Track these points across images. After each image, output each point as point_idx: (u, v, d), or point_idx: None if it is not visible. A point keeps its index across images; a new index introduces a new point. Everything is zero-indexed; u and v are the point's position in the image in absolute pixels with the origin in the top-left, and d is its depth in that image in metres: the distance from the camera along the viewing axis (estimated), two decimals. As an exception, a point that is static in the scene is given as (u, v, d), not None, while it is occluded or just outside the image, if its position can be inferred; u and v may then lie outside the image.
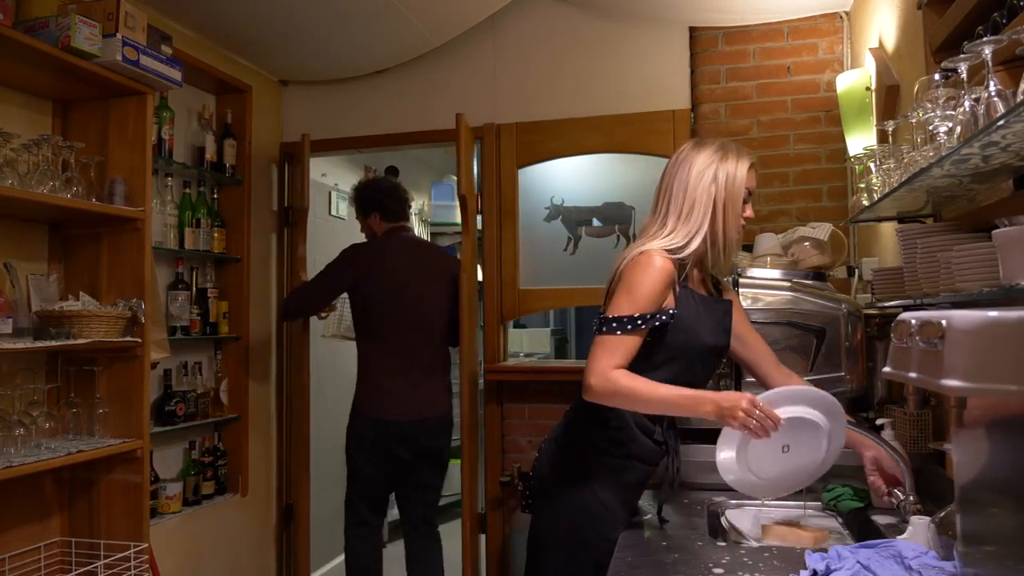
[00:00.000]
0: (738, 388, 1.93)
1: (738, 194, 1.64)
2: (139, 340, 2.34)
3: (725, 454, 1.49)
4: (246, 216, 3.34)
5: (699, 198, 1.64)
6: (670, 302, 1.63)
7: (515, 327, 4.92)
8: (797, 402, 1.49)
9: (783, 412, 1.46)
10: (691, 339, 1.64)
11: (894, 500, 1.62)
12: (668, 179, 1.71)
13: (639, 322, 1.57)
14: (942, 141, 1.26)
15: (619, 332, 1.57)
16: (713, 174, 1.64)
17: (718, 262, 1.69)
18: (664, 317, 1.60)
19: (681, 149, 1.73)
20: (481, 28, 3.43)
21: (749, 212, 1.69)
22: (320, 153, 3.70)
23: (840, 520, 1.77)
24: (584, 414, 1.73)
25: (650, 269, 1.59)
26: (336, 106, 3.70)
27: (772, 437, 1.45)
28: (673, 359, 1.64)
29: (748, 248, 2.50)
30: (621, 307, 1.59)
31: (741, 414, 1.44)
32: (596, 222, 3.37)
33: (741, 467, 1.50)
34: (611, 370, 1.54)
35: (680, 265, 1.65)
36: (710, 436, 2.04)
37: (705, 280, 1.76)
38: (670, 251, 1.62)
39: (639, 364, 1.59)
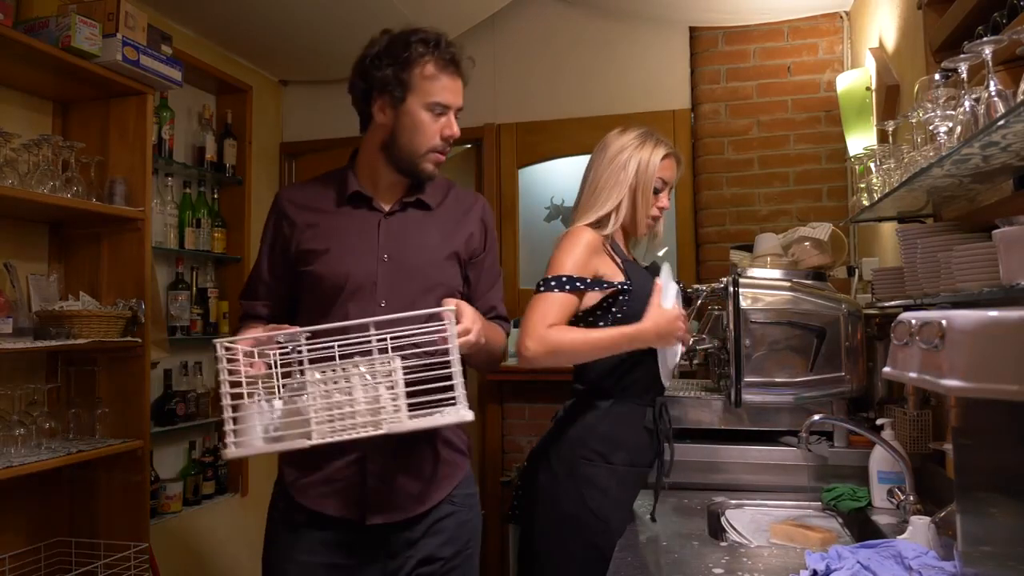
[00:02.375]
0: (738, 384, 1.93)
1: (649, 182, 1.69)
2: (139, 340, 2.34)
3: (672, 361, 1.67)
4: (246, 216, 3.34)
5: (609, 183, 1.70)
6: (618, 274, 1.67)
7: (515, 327, 4.92)
8: (668, 279, 1.68)
9: (670, 293, 1.63)
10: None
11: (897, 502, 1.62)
12: (588, 165, 1.78)
13: (577, 283, 1.61)
14: (942, 141, 1.25)
15: (556, 290, 1.60)
16: (626, 160, 1.70)
17: (633, 249, 1.79)
18: (615, 285, 1.65)
19: (605, 136, 1.77)
20: (481, 28, 3.43)
21: (663, 203, 1.74)
22: (321, 152, 3.70)
23: (840, 520, 1.76)
24: (575, 421, 1.71)
25: (575, 240, 1.66)
26: (336, 106, 3.67)
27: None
28: None
29: (748, 248, 2.50)
30: (555, 272, 1.64)
31: (680, 335, 1.59)
32: (596, 222, 3.37)
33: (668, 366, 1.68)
34: (545, 329, 1.56)
35: (612, 240, 1.71)
36: (710, 436, 2.05)
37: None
38: (594, 226, 1.69)
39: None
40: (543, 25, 3.46)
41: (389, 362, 1.23)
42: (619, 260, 1.70)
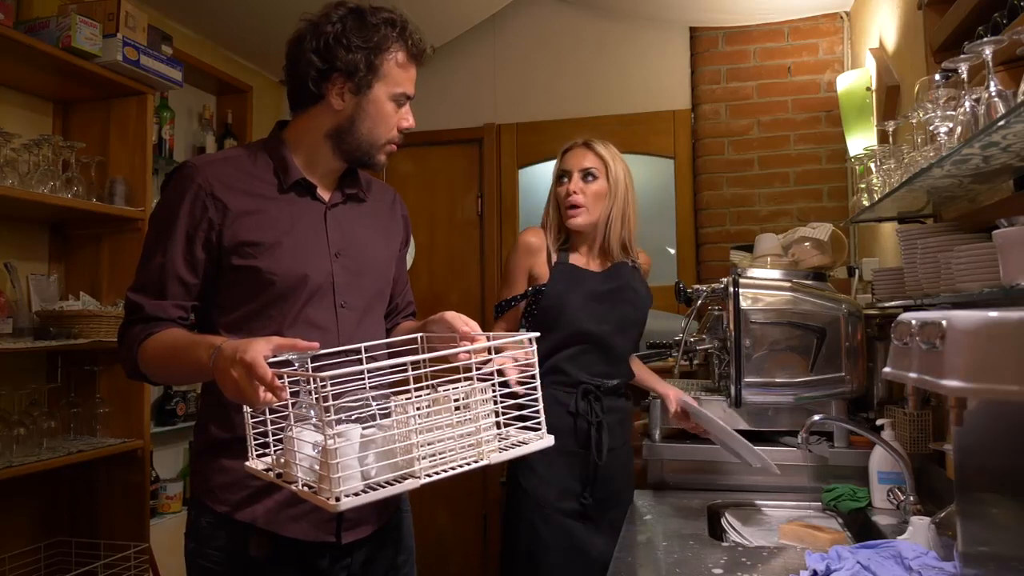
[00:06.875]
0: (738, 384, 1.93)
1: (554, 181, 1.96)
2: (139, 340, 2.34)
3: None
4: (246, 216, 3.34)
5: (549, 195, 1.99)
6: (545, 275, 1.86)
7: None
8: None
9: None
10: (563, 309, 1.82)
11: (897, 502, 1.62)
12: None
13: (501, 306, 1.90)
14: (942, 141, 1.25)
15: (497, 318, 1.90)
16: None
17: (591, 242, 1.93)
18: (520, 299, 1.87)
19: None
20: (481, 28, 3.43)
21: (569, 187, 1.90)
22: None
23: (840, 520, 1.77)
24: None
25: (513, 249, 1.93)
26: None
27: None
28: (549, 328, 1.80)
29: (748, 248, 2.50)
30: (501, 293, 1.93)
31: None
32: (596, 222, 3.37)
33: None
34: None
35: (557, 241, 1.91)
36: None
37: (602, 258, 1.94)
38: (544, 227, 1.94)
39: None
40: (543, 25, 3.46)
41: (484, 390, 1.09)
42: (553, 260, 1.88)
